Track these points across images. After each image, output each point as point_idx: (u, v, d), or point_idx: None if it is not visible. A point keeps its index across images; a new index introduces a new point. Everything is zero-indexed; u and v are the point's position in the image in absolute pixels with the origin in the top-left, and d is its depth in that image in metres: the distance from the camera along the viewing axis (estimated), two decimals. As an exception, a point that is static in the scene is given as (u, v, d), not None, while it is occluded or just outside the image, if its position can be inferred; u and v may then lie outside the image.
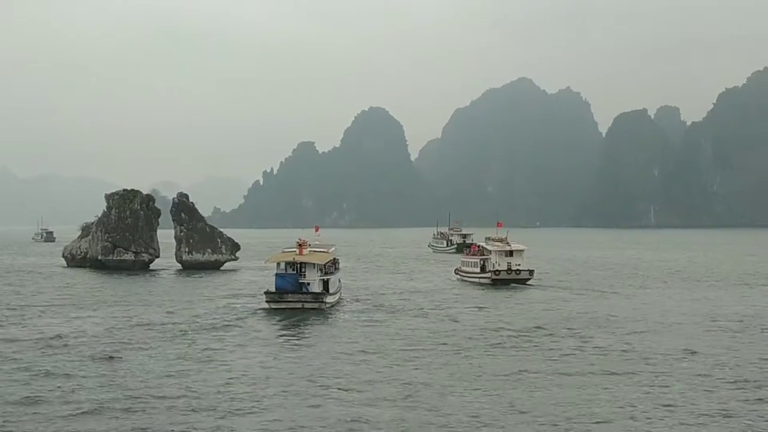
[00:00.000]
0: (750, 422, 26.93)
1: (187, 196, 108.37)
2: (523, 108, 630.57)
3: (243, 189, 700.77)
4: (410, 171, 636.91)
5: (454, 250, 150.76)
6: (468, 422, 27.00)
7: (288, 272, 57.80)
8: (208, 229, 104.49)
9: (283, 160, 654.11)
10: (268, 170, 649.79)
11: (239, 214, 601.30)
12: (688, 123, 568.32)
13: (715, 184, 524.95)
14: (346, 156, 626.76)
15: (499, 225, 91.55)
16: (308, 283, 57.20)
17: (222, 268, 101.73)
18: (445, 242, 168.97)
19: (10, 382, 32.79)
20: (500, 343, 42.51)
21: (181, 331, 47.02)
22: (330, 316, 54.22)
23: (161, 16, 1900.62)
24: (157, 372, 34.66)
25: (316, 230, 77.95)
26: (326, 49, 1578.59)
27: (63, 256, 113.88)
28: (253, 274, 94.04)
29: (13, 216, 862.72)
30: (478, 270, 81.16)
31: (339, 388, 31.70)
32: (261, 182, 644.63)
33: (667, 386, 31.98)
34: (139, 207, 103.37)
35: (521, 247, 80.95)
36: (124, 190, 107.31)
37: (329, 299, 57.96)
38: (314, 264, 58.21)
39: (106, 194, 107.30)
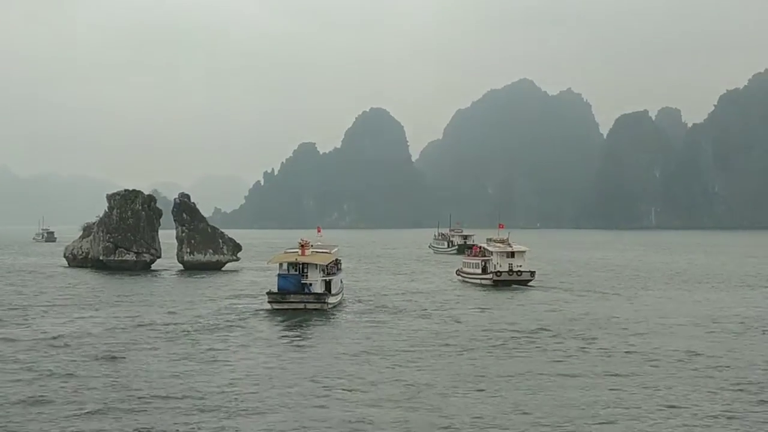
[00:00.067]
0: (753, 424, 26.97)
1: (188, 197, 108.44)
2: (523, 109, 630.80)
3: (243, 188, 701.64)
4: (411, 172, 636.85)
5: (455, 252, 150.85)
6: (471, 423, 27.03)
7: (290, 273, 57.87)
8: (209, 230, 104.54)
9: (284, 161, 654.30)
10: (269, 171, 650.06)
11: (240, 215, 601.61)
12: (689, 124, 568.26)
13: (715, 185, 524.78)
14: (346, 157, 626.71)
15: (500, 226, 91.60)
16: (310, 284, 57.24)
17: (223, 268, 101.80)
18: (445, 243, 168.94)
19: (13, 382, 32.82)
20: (503, 345, 42.54)
21: (184, 331, 47.07)
22: (332, 316, 54.26)
23: (161, 15, 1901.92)
24: (160, 372, 34.70)
25: (319, 231, 78.04)
26: (326, 49, 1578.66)
27: (64, 256, 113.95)
28: (255, 274, 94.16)
29: (13, 215, 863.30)
30: (479, 271, 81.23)
31: (342, 389, 31.74)
32: (262, 183, 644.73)
33: (670, 388, 32.02)
34: (140, 207, 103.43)
35: (523, 248, 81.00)
36: (125, 190, 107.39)
37: (331, 300, 58.01)
38: (316, 265, 58.26)
39: (107, 194, 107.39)
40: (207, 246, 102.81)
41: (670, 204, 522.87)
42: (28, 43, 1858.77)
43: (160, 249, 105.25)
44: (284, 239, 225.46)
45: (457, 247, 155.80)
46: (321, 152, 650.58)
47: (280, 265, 59.04)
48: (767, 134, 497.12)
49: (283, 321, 51.59)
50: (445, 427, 26.59)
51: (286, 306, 55.64)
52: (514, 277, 77.91)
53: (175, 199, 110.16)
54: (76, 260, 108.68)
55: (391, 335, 45.95)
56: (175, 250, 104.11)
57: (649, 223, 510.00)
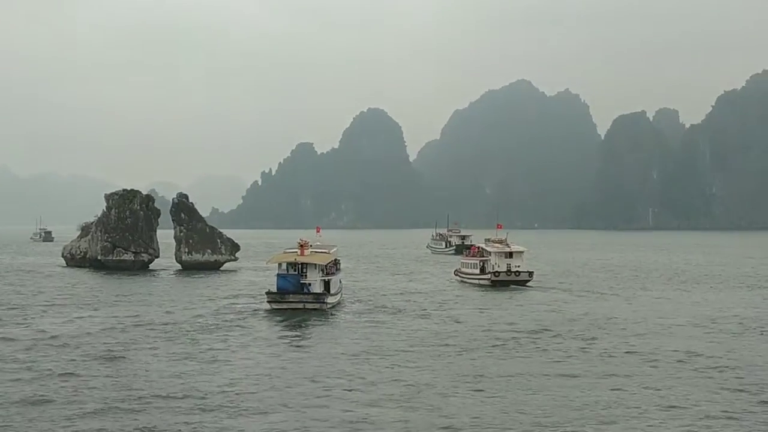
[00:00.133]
0: (753, 425, 27.01)
1: (186, 197, 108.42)
2: (521, 109, 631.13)
3: (242, 188, 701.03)
4: (409, 172, 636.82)
5: (452, 252, 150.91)
6: (471, 423, 27.06)
7: (289, 273, 57.90)
8: (207, 230, 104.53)
9: (282, 161, 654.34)
10: (267, 171, 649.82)
11: (237, 215, 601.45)
12: (687, 125, 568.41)
13: (713, 186, 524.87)
14: (344, 157, 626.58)
15: (498, 227, 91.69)
16: (309, 284, 57.29)
17: (221, 268, 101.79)
18: (443, 243, 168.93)
19: (13, 381, 32.81)
20: (502, 345, 42.57)
21: (184, 331, 47.09)
22: (331, 316, 54.29)
23: (161, 15, 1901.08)
24: (161, 372, 34.71)
25: (318, 231, 78.04)
26: (326, 49, 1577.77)
27: (62, 256, 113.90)
28: (253, 274, 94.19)
29: (13, 215, 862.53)
30: (477, 271, 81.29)
31: (342, 389, 31.76)
32: (259, 183, 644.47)
33: (670, 388, 32.07)
34: (138, 207, 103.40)
35: (521, 248, 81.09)
36: (123, 190, 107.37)
37: (330, 300, 58.03)
38: (316, 264, 58.29)
39: (105, 194, 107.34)
40: (205, 246, 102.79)
41: (668, 205, 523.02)
42: (28, 43, 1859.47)
43: (158, 249, 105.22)
44: (282, 239, 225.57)
45: (455, 247, 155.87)
46: (319, 152, 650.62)
47: (280, 265, 59.09)
48: (765, 135, 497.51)
49: (282, 321, 51.62)
50: (445, 427, 26.61)
51: (285, 306, 55.68)
52: (513, 277, 78.00)
53: (173, 199, 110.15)
54: (74, 260, 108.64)
55: (390, 335, 45.98)
56: (173, 250, 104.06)
57: (646, 224, 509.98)
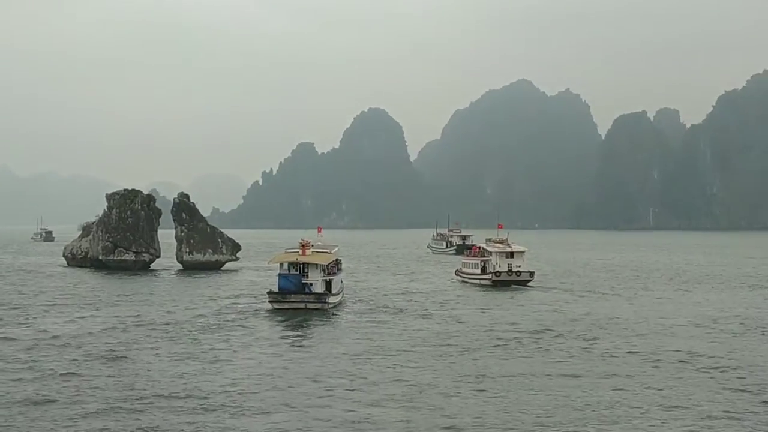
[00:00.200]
0: (755, 425, 27.02)
1: (187, 197, 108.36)
2: (522, 109, 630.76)
3: (242, 188, 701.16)
4: (409, 172, 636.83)
5: (453, 252, 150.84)
6: (473, 423, 27.07)
7: (291, 273, 57.92)
8: (208, 230, 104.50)
9: (282, 161, 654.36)
10: (267, 170, 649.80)
11: (238, 215, 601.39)
12: (688, 125, 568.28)
13: (714, 186, 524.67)
14: (345, 157, 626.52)
15: (499, 226, 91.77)
16: (311, 284, 57.30)
17: (223, 268, 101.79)
18: (444, 243, 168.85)
19: (14, 381, 32.81)
20: (504, 345, 42.58)
21: (185, 331, 47.09)
22: (333, 316, 54.31)
23: (161, 15, 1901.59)
24: (163, 372, 34.73)
25: (319, 231, 78.06)
26: (326, 49, 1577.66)
27: (63, 256, 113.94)
28: (254, 274, 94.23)
29: (13, 215, 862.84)
30: (478, 271, 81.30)
31: (344, 389, 31.78)
32: (260, 182, 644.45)
33: (672, 388, 32.08)
34: (139, 207, 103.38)
35: (522, 248, 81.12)
36: (125, 190, 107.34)
37: (332, 300, 58.05)
38: (317, 264, 58.30)
39: (106, 194, 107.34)
40: (206, 246, 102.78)
41: (669, 205, 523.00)
42: (28, 43, 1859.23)
43: (160, 249, 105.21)
44: (283, 239, 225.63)
45: (455, 247, 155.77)
46: (319, 152, 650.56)
47: (281, 264, 59.12)
48: (765, 135, 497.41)
49: (283, 321, 51.63)
50: (447, 427, 26.63)
51: (286, 306, 55.70)
52: (514, 277, 78.01)
53: (174, 199, 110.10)
54: (76, 260, 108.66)
55: (392, 335, 45.99)
56: (175, 250, 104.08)
57: (647, 224, 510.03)
